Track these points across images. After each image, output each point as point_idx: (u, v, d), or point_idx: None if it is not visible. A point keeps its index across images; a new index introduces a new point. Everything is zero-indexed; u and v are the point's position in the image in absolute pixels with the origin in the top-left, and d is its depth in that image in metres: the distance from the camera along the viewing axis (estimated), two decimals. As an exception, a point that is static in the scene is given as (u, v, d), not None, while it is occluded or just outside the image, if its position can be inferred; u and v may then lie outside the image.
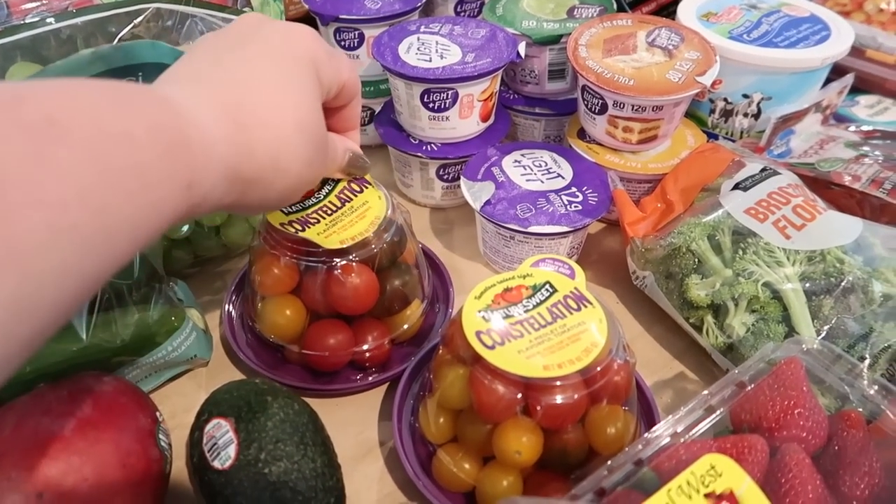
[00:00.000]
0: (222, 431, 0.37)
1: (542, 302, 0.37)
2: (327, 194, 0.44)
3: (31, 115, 0.21)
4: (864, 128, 0.69)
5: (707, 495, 0.31)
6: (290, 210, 0.43)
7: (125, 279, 0.43)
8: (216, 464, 0.36)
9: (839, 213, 0.49)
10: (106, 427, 0.36)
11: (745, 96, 0.60)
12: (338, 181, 0.45)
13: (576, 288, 0.38)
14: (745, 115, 0.61)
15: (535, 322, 0.36)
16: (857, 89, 0.74)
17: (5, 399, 0.37)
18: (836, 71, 0.68)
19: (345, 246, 0.42)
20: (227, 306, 0.51)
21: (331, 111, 0.40)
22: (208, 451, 0.37)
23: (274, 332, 0.46)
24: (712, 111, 0.63)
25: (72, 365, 0.39)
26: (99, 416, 0.36)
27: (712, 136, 0.64)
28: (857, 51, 0.75)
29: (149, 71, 0.42)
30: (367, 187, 0.45)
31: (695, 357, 0.51)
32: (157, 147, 0.24)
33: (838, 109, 0.71)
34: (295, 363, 0.48)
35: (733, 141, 0.64)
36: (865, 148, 0.63)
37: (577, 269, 0.40)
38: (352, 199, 0.44)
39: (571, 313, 0.37)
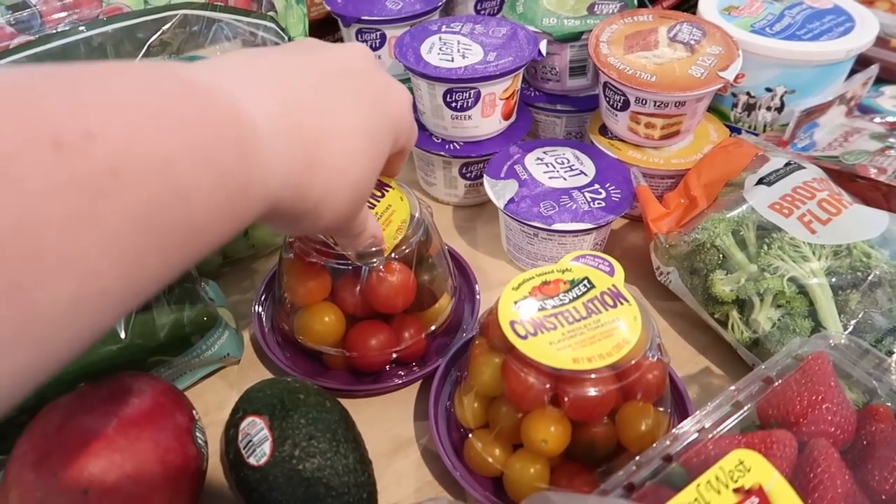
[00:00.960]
0: (257, 429, 0.38)
1: (578, 297, 0.38)
2: None
3: (94, 165, 0.18)
4: (890, 119, 0.68)
5: (736, 490, 0.31)
6: None
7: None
8: (251, 460, 0.38)
9: (865, 207, 0.49)
10: (146, 425, 0.37)
11: (769, 90, 0.60)
12: None
13: (614, 285, 0.39)
14: (769, 108, 0.61)
15: (569, 316, 0.37)
16: (882, 80, 0.73)
17: (50, 398, 0.38)
18: (861, 62, 0.67)
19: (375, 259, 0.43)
20: (256, 307, 0.52)
21: None
22: (244, 448, 0.38)
23: (317, 340, 0.47)
24: (735, 105, 0.63)
25: (112, 365, 0.41)
26: (139, 414, 0.37)
27: (735, 131, 0.64)
28: (881, 41, 0.74)
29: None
30: (387, 190, 0.46)
31: (720, 352, 0.51)
32: (217, 201, 0.22)
33: (863, 101, 0.71)
34: (337, 367, 0.49)
35: (756, 135, 0.63)
36: (891, 139, 0.62)
37: (617, 266, 0.40)
38: (374, 206, 0.44)
39: (607, 309, 0.37)
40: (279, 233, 0.31)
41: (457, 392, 0.44)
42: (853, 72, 0.64)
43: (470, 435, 0.42)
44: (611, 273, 0.40)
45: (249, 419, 0.39)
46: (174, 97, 0.22)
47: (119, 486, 0.35)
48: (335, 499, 0.37)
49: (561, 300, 0.38)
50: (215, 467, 0.44)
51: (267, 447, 0.37)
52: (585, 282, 0.39)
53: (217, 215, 0.22)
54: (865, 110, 0.70)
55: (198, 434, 0.40)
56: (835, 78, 0.60)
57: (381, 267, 0.44)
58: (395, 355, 0.47)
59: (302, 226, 0.30)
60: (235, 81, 0.25)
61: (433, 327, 0.49)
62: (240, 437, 0.39)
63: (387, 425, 0.46)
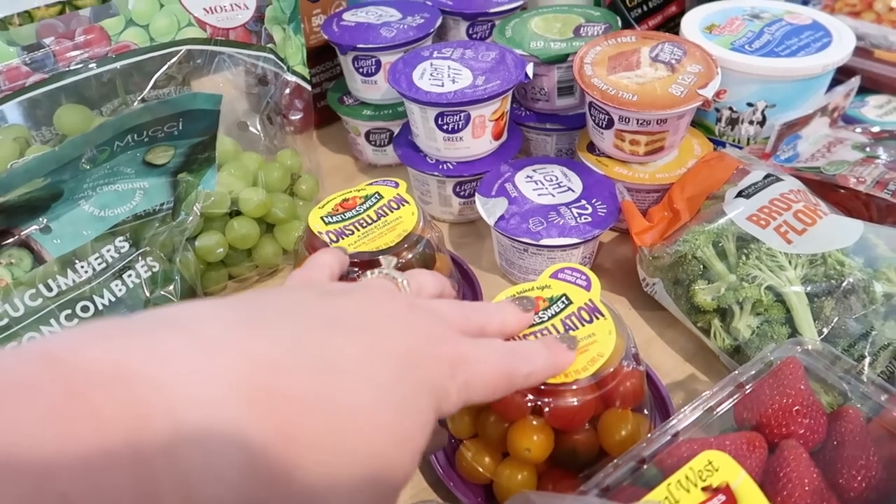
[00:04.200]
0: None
1: (556, 314, 0.40)
2: (367, 209, 0.48)
3: None
4: (873, 129, 0.70)
5: (704, 489, 0.33)
6: (329, 220, 0.47)
7: (166, 303, 0.46)
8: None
9: (840, 217, 0.51)
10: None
11: (750, 105, 0.62)
12: (381, 197, 0.49)
13: (590, 300, 0.41)
14: (751, 122, 0.63)
15: (547, 333, 0.39)
16: (867, 90, 0.75)
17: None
18: (845, 72, 0.69)
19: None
20: None
21: None
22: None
23: None
24: (719, 120, 0.65)
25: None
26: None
27: (720, 144, 0.66)
28: (865, 51, 0.77)
29: (189, 117, 0.46)
30: (405, 205, 0.49)
31: (704, 359, 0.53)
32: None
33: (848, 110, 0.73)
34: None
35: (740, 148, 0.65)
36: (872, 149, 0.64)
37: (594, 279, 0.42)
38: (387, 215, 0.48)
39: (583, 325, 0.39)
40: None
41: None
42: (837, 82, 0.67)
43: (461, 446, 0.44)
44: (588, 287, 0.42)
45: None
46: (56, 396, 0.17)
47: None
48: None
49: (540, 318, 0.40)
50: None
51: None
52: (563, 298, 0.41)
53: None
54: (850, 120, 0.72)
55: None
56: (814, 91, 0.62)
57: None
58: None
59: None
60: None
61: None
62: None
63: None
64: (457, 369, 0.28)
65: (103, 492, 0.17)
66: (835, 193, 0.58)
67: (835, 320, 0.46)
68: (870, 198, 0.57)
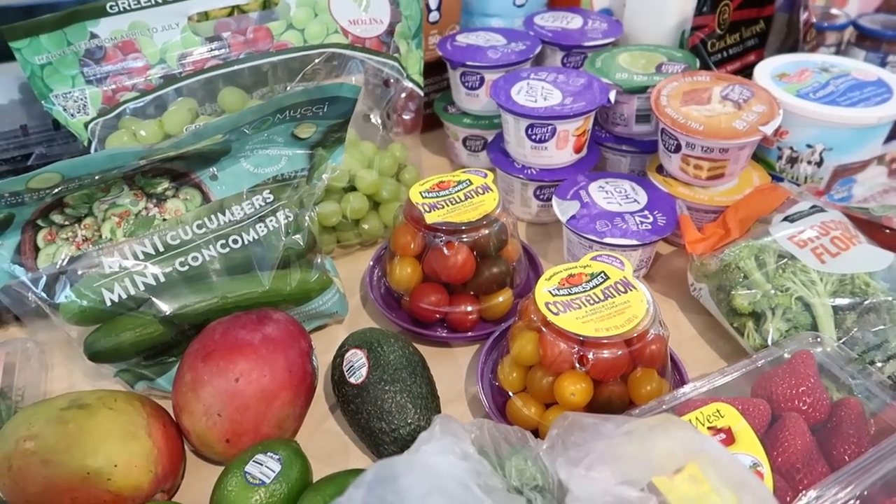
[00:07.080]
0: (357, 357, 0.51)
1: (597, 285, 0.49)
2: (458, 191, 0.59)
3: None
4: (932, 182, 0.75)
5: (710, 428, 0.41)
6: (426, 195, 0.58)
7: (294, 248, 0.58)
8: (352, 380, 0.50)
9: (873, 247, 0.57)
10: (280, 343, 0.50)
11: (809, 146, 0.69)
12: (471, 183, 0.60)
13: (624, 277, 0.49)
14: (809, 162, 0.70)
15: (590, 299, 0.48)
16: (932, 148, 0.80)
17: (213, 319, 0.52)
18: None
19: (436, 223, 0.57)
20: (370, 262, 0.67)
21: None
22: (346, 371, 0.51)
23: (395, 284, 0.60)
24: (780, 157, 0.72)
25: (257, 302, 0.55)
26: (276, 335, 0.51)
27: (778, 180, 0.73)
28: (935, 113, 0.82)
29: (333, 102, 0.57)
30: (489, 192, 0.59)
31: (738, 359, 0.59)
32: None
33: (909, 165, 0.78)
34: (405, 311, 0.62)
35: (798, 185, 0.72)
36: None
37: (627, 262, 0.51)
38: (473, 198, 0.58)
39: (619, 294, 0.48)
40: None
41: (500, 365, 0.54)
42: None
43: (512, 398, 0.52)
44: (621, 268, 0.50)
45: (353, 350, 0.52)
46: None
47: (259, 380, 0.48)
48: (409, 415, 0.49)
49: (583, 288, 0.49)
50: (321, 389, 0.57)
51: (364, 371, 0.50)
52: (602, 274, 0.50)
53: None
54: (910, 174, 0.78)
55: (313, 358, 0.53)
56: (869, 140, 0.68)
57: (444, 244, 0.56)
58: (453, 318, 0.59)
59: None
60: None
61: (488, 306, 0.60)
62: (344, 363, 0.52)
63: (451, 380, 0.58)
64: None
65: None
66: (880, 233, 0.64)
67: (854, 331, 0.52)
68: (911, 239, 0.63)
